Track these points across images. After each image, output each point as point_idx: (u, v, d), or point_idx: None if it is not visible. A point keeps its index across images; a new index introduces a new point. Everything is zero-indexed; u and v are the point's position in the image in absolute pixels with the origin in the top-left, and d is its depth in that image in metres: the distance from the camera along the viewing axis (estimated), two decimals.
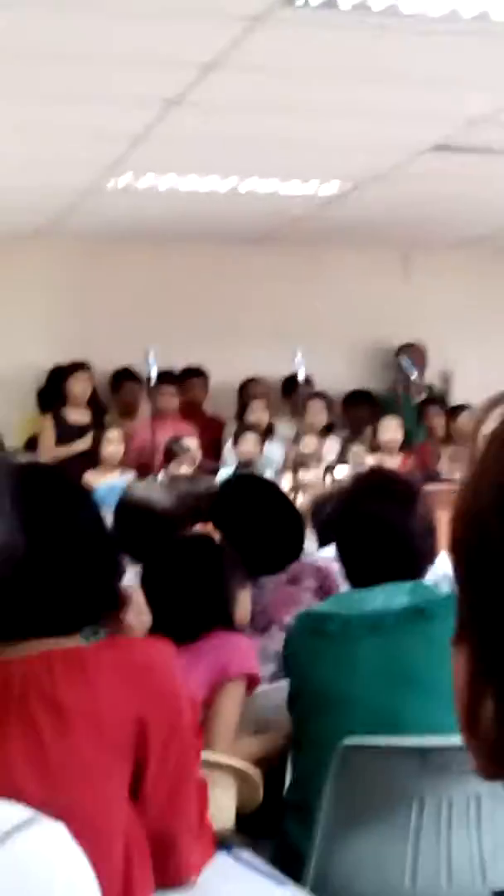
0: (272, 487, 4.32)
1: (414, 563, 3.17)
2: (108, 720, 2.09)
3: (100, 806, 2.07)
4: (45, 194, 8.82)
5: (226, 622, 3.31)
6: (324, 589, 3.98)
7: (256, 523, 3.84)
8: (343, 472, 7.70)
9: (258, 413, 10.17)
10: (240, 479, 5.04)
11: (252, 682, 3.29)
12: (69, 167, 8.06)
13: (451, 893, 2.95)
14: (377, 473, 4.16)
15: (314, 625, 3.16)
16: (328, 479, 7.86)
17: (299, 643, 3.19)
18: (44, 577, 2.13)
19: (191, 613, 3.25)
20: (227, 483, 4.59)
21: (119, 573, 2.46)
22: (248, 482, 4.61)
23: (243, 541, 3.77)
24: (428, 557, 3.22)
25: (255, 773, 2.96)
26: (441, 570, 3.40)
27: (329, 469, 8.13)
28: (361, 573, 3.17)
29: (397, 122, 7.08)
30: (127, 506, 4.73)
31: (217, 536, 3.63)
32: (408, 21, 5.54)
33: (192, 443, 8.99)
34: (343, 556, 3.23)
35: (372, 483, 3.38)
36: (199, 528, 3.85)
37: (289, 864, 2.80)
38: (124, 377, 10.43)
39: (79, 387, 9.99)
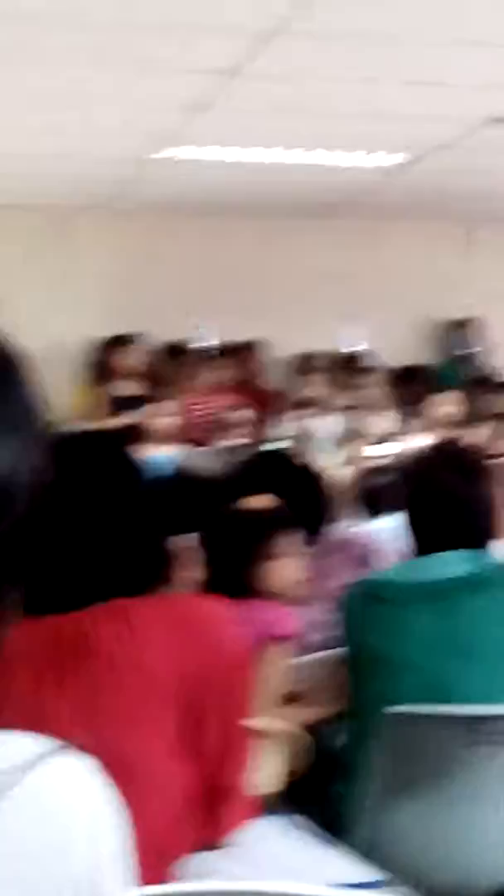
0: (294, 462, 4.32)
1: (480, 537, 3.17)
2: (155, 671, 2.10)
3: (143, 756, 2.07)
4: (104, 165, 8.81)
5: (240, 593, 3.30)
6: (359, 559, 3.97)
7: (279, 497, 3.82)
8: (390, 448, 7.66)
9: (314, 387, 10.15)
10: (262, 454, 5.02)
11: (293, 642, 3.27)
12: (128, 137, 8.04)
13: (497, 864, 2.93)
14: (449, 445, 4.15)
15: (371, 591, 3.18)
16: (377, 453, 7.82)
17: (355, 608, 3.20)
18: (102, 544, 2.15)
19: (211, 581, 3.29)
20: (250, 459, 4.57)
21: (166, 535, 2.48)
22: (269, 458, 4.60)
23: None
24: (493, 531, 3.21)
25: (304, 738, 2.94)
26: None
27: (377, 443, 8.08)
28: (428, 542, 3.17)
29: (462, 91, 7.00)
30: (179, 475, 4.74)
31: (270, 506, 3.60)
32: None
33: (245, 415, 8.96)
34: (411, 524, 3.23)
35: (444, 454, 3.38)
36: (256, 498, 3.81)
37: (335, 829, 2.79)
38: (179, 350, 10.42)
39: (130, 359, 9.99)
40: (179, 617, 2.17)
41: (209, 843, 2.23)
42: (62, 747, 0.93)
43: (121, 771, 1.81)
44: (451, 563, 3.12)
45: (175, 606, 2.22)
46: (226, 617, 2.27)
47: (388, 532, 3.88)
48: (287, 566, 3.42)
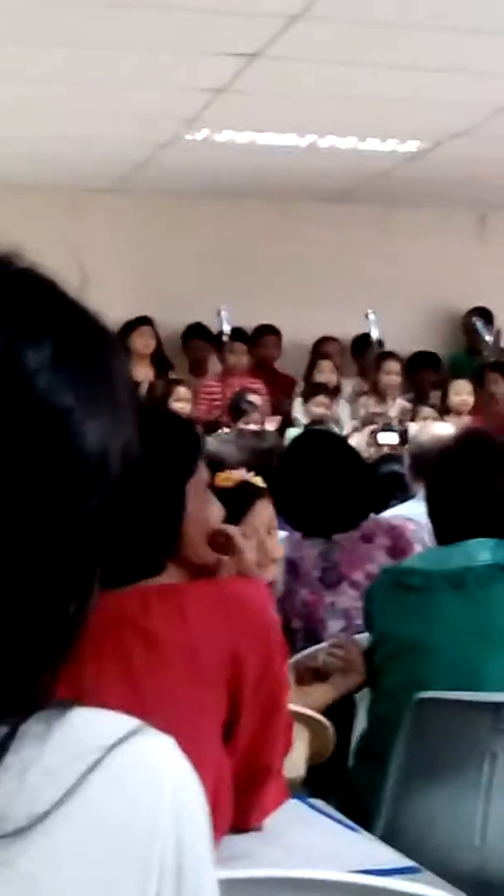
0: (343, 444, 4.28)
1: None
2: (202, 654, 2.11)
3: (189, 740, 2.06)
4: (122, 147, 8.80)
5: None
6: (397, 548, 3.95)
7: (326, 480, 3.81)
8: (404, 435, 7.64)
9: (328, 372, 10.13)
10: (310, 434, 4.99)
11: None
12: (148, 120, 8.04)
13: None
14: (476, 433, 4.13)
15: (397, 579, 3.19)
16: (391, 440, 7.80)
17: (382, 596, 3.20)
18: (139, 519, 2.13)
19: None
20: (298, 439, 4.56)
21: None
22: (319, 438, 4.57)
23: (314, 497, 3.76)
24: None
25: (327, 723, 2.95)
26: None
27: (391, 430, 8.05)
28: (451, 530, 3.16)
29: (477, 78, 7.00)
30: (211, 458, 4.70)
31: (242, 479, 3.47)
32: None
33: (259, 399, 8.96)
34: (434, 511, 3.22)
35: (471, 442, 3.36)
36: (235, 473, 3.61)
37: (357, 815, 2.79)
38: (195, 334, 10.40)
39: (140, 342, 9.95)
40: (228, 601, 2.18)
41: (242, 825, 2.24)
42: (146, 726, 0.94)
43: None
44: (475, 551, 3.12)
45: (222, 591, 2.22)
46: (267, 601, 2.29)
47: (417, 519, 3.88)
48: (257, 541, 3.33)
